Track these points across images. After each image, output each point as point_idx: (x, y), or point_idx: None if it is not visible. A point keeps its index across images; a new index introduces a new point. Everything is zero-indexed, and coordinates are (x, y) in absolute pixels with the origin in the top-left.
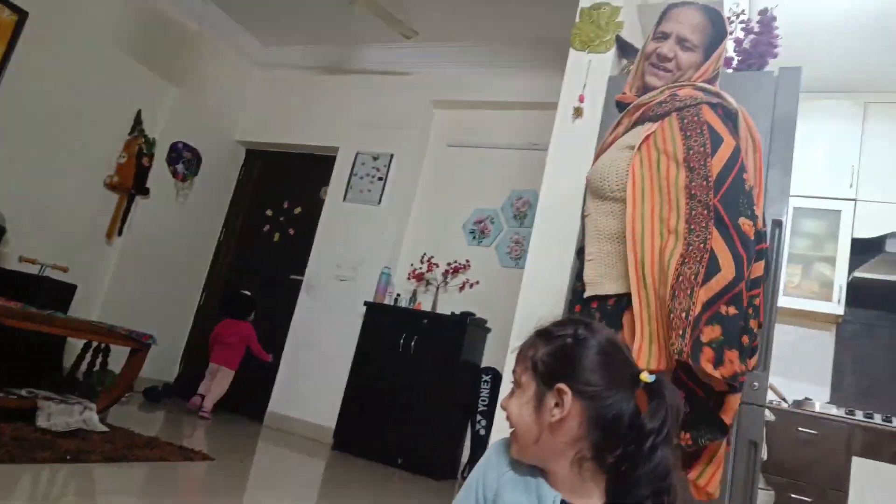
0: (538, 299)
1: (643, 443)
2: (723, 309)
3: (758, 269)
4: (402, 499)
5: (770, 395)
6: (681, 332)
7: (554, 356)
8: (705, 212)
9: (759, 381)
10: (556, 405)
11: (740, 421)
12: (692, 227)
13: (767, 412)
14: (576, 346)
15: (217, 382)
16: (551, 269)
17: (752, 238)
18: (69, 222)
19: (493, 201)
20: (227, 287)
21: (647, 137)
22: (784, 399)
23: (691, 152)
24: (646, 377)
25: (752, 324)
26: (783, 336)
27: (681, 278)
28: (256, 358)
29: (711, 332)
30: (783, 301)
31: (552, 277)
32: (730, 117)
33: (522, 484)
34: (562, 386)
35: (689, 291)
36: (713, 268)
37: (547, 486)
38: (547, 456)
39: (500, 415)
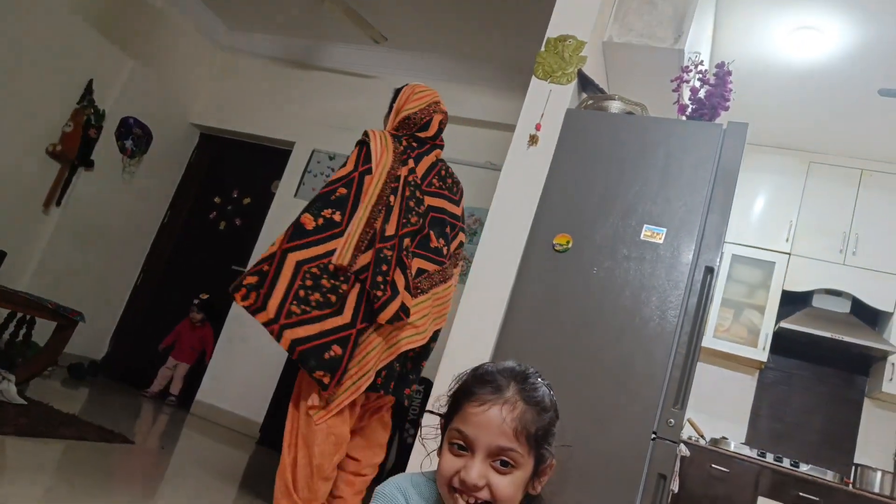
0: (476, 320)
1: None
2: (262, 266)
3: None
4: None
5: (689, 431)
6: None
7: (545, 428)
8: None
9: (674, 418)
10: (544, 473)
11: (653, 454)
12: None
13: (683, 447)
14: (551, 410)
15: (178, 375)
16: (488, 295)
17: (301, 224)
18: (5, 186)
19: None
20: (163, 270)
21: None
22: (702, 436)
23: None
24: None
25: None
26: (708, 376)
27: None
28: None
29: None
30: (713, 343)
31: (488, 304)
32: (362, 145)
33: None
34: (553, 461)
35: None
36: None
37: None
38: None
39: (419, 443)
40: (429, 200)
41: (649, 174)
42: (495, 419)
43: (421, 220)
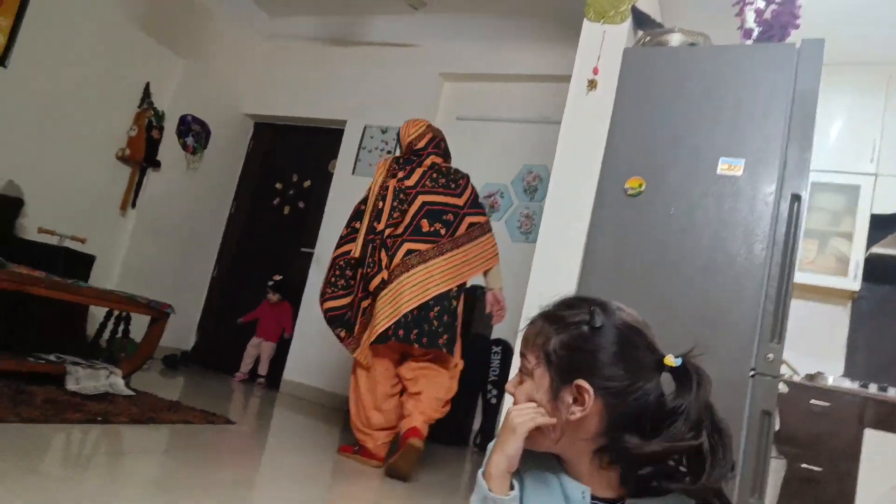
0: (550, 274)
1: (670, 426)
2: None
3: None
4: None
5: (782, 368)
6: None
7: (570, 348)
8: None
9: (773, 353)
10: (576, 401)
11: (754, 391)
12: None
13: (781, 384)
14: (593, 336)
15: (265, 356)
16: (563, 244)
17: (341, 234)
18: (84, 194)
19: (502, 175)
20: (237, 259)
21: None
22: (796, 372)
23: None
24: (671, 361)
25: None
26: (797, 311)
27: None
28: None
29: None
30: (799, 277)
31: (564, 253)
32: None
33: (544, 483)
34: (582, 384)
35: None
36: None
37: (570, 481)
38: (562, 448)
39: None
40: (422, 198)
41: (720, 105)
42: (525, 333)
43: (405, 215)
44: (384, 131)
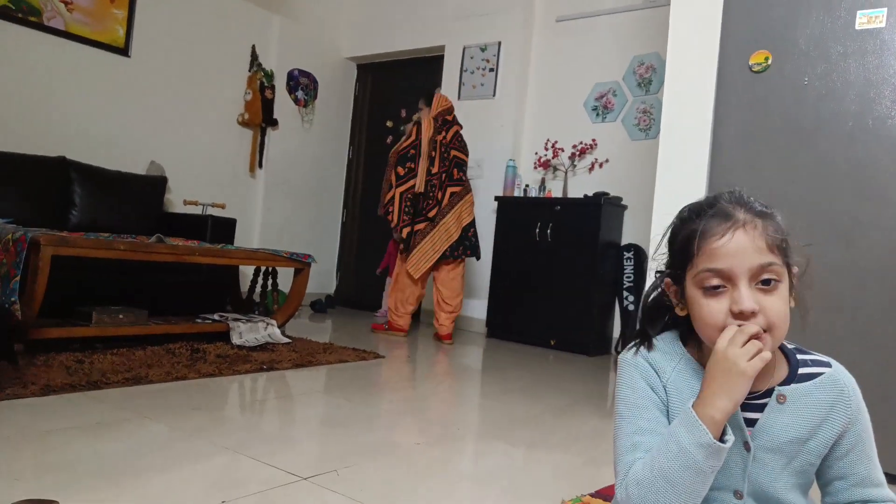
0: (677, 172)
1: None
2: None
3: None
4: (559, 374)
5: None
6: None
7: (786, 236)
8: None
9: None
10: (793, 288)
11: None
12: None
13: None
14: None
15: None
16: (687, 136)
17: (398, 173)
18: (216, 163)
19: (612, 72)
20: (362, 202)
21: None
22: None
23: None
24: None
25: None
26: None
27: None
28: None
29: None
30: None
31: (690, 147)
32: (417, 123)
33: (688, 388)
34: (796, 268)
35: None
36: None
37: None
38: None
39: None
40: (454, 153)
41: None
42: (745, 241)
43: (448, 164)
44: (483, 49)
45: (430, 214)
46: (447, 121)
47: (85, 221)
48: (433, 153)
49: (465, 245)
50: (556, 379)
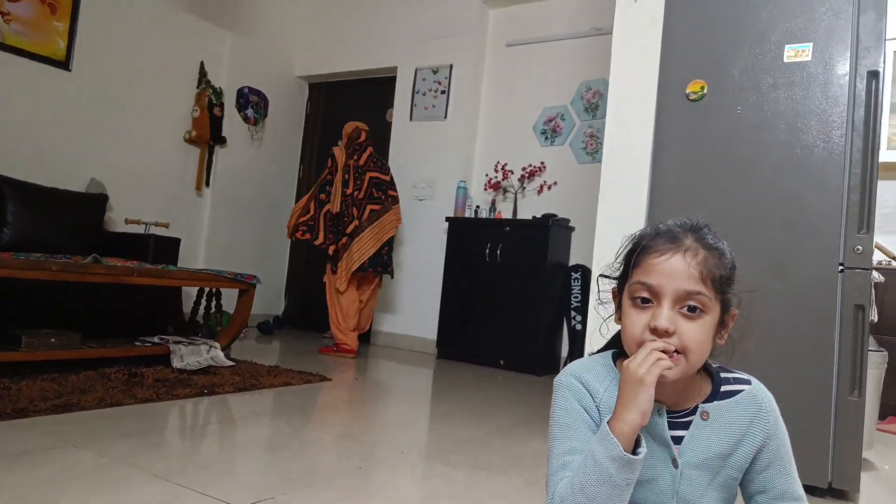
0: (619, 194)
1: None
2: (307, 219)
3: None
4: (508, 394)
5: (878, 256)
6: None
7: (730, 273)
8: None
9: (862, 245)
10: (724, 326)
11: (844, 286)
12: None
13: (875, 274)
14: (731, 257)
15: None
16: (629, 162)
17: (319, 198)
18: (161, 181)
19: (561, 97)
20: None
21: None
22: (894, 258)
23: None
24: None
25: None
26: (890, 192)
27: None
28: None
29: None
30: (889, 156)
31: (631, 171)
32: (332, 156)
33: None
34: (736, 311)
35: None
36: None
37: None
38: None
39: (594, 311)
40: (369, 175)
41: None
42: (680, 265)
43: (363, 184)
44: (435, 71)
45: (348, 231)
46: (359, 144)
47: (17, 240)
48: (346, 176)
49: (378, 262)
50: (503, 400)
